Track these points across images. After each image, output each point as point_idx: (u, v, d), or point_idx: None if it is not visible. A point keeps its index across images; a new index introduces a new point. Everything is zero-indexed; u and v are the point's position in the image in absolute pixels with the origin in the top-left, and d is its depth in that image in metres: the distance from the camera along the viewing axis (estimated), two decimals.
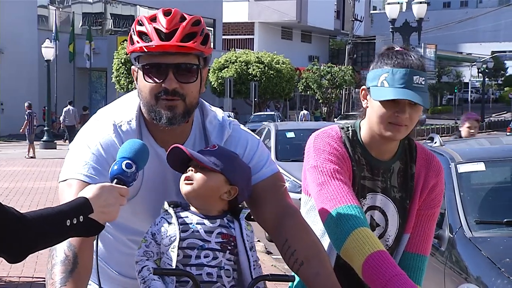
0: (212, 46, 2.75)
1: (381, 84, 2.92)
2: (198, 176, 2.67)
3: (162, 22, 2.66)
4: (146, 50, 2.63)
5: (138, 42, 2.66)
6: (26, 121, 28.92)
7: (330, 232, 2.88)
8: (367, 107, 3.03)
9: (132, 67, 2.78)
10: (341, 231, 2.80)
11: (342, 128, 3.12)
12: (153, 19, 2.70)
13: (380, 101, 2.92)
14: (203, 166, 2.67)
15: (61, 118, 35.22)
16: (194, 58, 2.69)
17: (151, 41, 2.63)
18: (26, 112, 29.19)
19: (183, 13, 2.75)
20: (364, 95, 3.05)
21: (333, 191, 2.89)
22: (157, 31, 2.64)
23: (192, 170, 2.68)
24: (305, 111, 48.66)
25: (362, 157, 3.08)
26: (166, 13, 2.70)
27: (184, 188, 2.69)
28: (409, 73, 2.88)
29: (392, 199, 3.13)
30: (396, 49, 3.02)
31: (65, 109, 34.88)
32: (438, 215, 3.24)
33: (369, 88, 3.00)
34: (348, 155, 3.03)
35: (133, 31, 2.70)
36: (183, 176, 2.70)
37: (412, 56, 2.94)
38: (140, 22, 2.71)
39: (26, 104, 29.91)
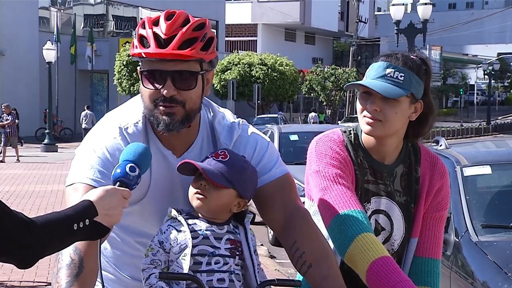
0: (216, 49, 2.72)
1: (364, 79, 2.97)
2: (211, 193, 2.66)
3: (162, 27, 2.63)
4: (144, 56, 2.61)
5: (137, 47, 2.64)
6: (11, 121, 27.34)
7: (334, 238, 2.87)
8: None
9: (138, 68, 2.76)
10: (344, 237, 2.79)
11: (344, 132, 3.11)
12: (155, 22, 2.67)
13: (360, 95, 2.97)
14: (216, 185, 2.65)
15: (80, 121, 37.33)
16: (195, 64, 2.65)
17: (149, 46, 2.61)
18: (12, 113, 27.86)
19: (189, 15, 2.71)
20: None
21: (336, 196, 2.87)
22: (156, 36, 2.61)
23: (203, 185, 2.66)
24: (313, 113, 49.05)
25: (364, 160, 3.07)
26: (168, 17, 2.66)
27: (195, 202, 2.68)
28: (383, 66, 2.92)
29: (397, 203, 3.10)
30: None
31: (83, 113, 36.11)
32: (446, 218, 3.22)
33: None
34: (350, 159, 3.02)
35: (135, 34, 2.69)
36: (194, 189, 2.69)
37: (400, 55, 2.98)
38: (143, 25, 2.68)
39: (4, 105, 28.29)
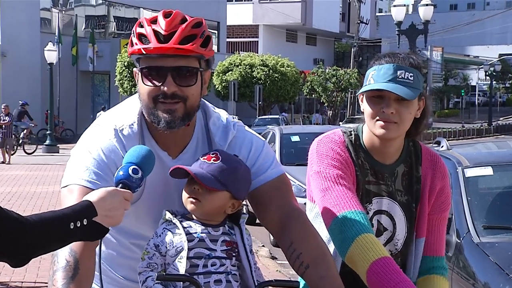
0: (214, 48, 2.71)
1: (368, 82, 2.96)
2: (204, 196, 2.66)
3: (162, 24, 2.63)
4: (144, 52, 2.61)
5: (136, 44, 2.64)
6: (8, 121, 27.27)
7: (335, 239, 2.87)
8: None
9: (134, 69, 2.76)
10: (345, 238, 2.79)
11: (345, 133, 3.11)
12: (153, 21, 2.67)
13: (368, 99, 2.97)
14: (209, 188, 2.65)
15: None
16: (194, 61, 2.66)
17: (149, 43, 2.61)
18: (10, 114, 27.70)
19: (186, 15, 2.71)
20: (361, 99, 3.07)
21: (337, 197, 2.88)
22: (156, 33, 2.62)
23: (196, 189, 2.66)
24: (317, 114, 49.26)
25: (365, 161, 3.08)
26: (167, 15, 2.67)
27: (190, 206, 2.68)
28: (394, 68, 2.92)
29: (398, 202, 3.12)
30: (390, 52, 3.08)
31: (98, 114, 36.51)
32: (447, 217, 3.24)
33: None
34: (351, 160, 3.03)
35: (133, 33, 2.68)
36: (188, 193, 2.69)
37: (402, 54, 3.00)
38: (141, 24, 2.68)
39: (3, 105, 28.11)
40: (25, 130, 31.94)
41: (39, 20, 47.81)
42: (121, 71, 43.83)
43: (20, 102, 32.56)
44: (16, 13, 44.75)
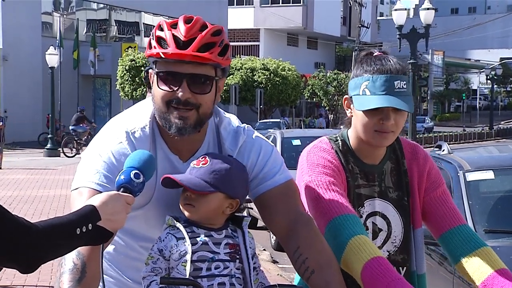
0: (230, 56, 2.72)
1: (362, 92, 2.95)
2: (198, 201, 2.68)
3: (181, 30, 2.64)
4: (162, 56, 2.61)
5: (155, 48, 2.65)
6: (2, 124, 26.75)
7: (329, 244, 2.85)
8: (352, 116, 3.05)
9: (150, 70, 2.76)
10: (339, 242, 2.80)
11: (331, 139, 3.12)
12: (173, 25, 2.68)
13: (364, 112, 2.94)
14: (200, 193, 2.67)
15: None
16: (211, 69, 2.67)
17: (168, 47, 2.61)
18: (2, 118, 27.29)
19: (207, 22, 2.71)
20: (347, 105, 3.08)
21: (329, 202, 2.89)
22: (175, 38, 2.62)
23: (189, 195, 2.69)
24: (321, 118, 49.39)
25: (355, 166, 3.10)
26: (187, 21, 2.68)
27: (186, 212, 2.69)
28: (390, 79, 2.90)
29: (390, 200, 3.13)
30: (375, 54, 3.04)
31: None
32: (448, 191, 3.22)
33: (351, 97, 3.02)
34: (342, 167, 3.04)
35: (153, 35, 2.69)
36: (182, 200, 2.71)
37: (391, 61, 2.97)
38: (161, 27, 2.69)
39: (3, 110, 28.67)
40: (83, 133, 32.91)
41: (40, 24, 47.86)
42: (122, 75, 43.88)
43: (78, 108, 34.32)
44: (18, 16, 44.79)
